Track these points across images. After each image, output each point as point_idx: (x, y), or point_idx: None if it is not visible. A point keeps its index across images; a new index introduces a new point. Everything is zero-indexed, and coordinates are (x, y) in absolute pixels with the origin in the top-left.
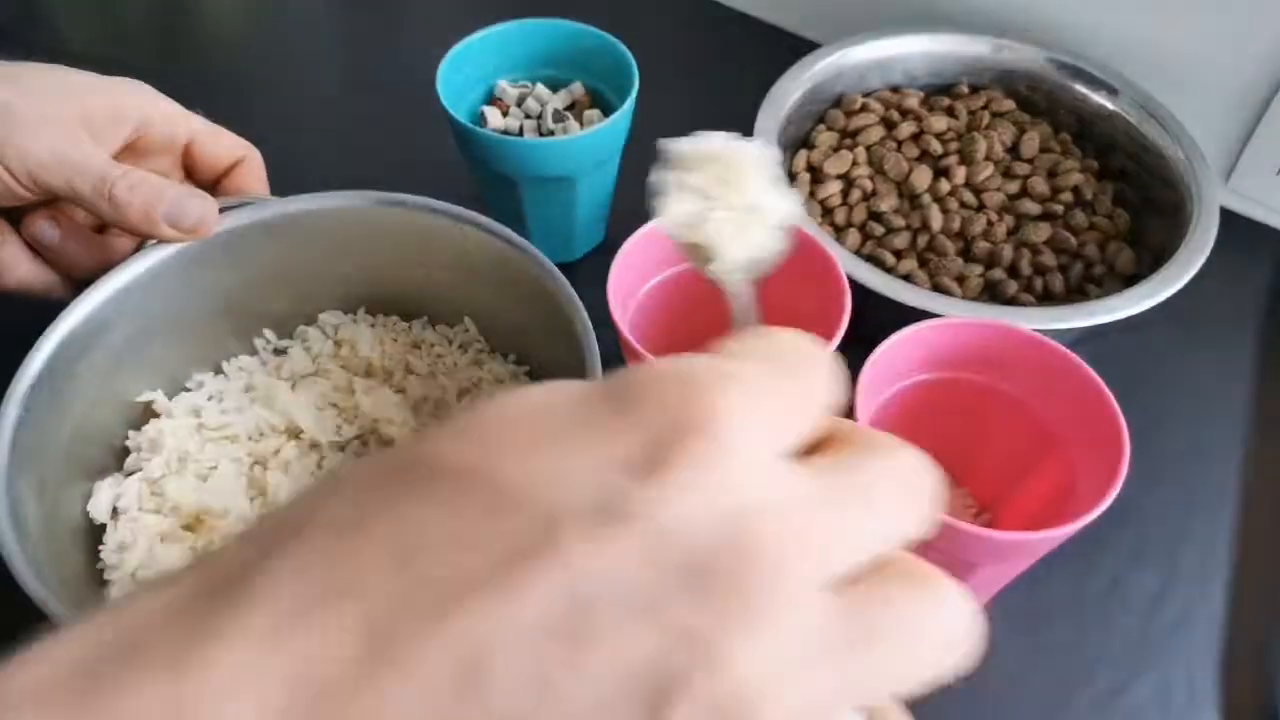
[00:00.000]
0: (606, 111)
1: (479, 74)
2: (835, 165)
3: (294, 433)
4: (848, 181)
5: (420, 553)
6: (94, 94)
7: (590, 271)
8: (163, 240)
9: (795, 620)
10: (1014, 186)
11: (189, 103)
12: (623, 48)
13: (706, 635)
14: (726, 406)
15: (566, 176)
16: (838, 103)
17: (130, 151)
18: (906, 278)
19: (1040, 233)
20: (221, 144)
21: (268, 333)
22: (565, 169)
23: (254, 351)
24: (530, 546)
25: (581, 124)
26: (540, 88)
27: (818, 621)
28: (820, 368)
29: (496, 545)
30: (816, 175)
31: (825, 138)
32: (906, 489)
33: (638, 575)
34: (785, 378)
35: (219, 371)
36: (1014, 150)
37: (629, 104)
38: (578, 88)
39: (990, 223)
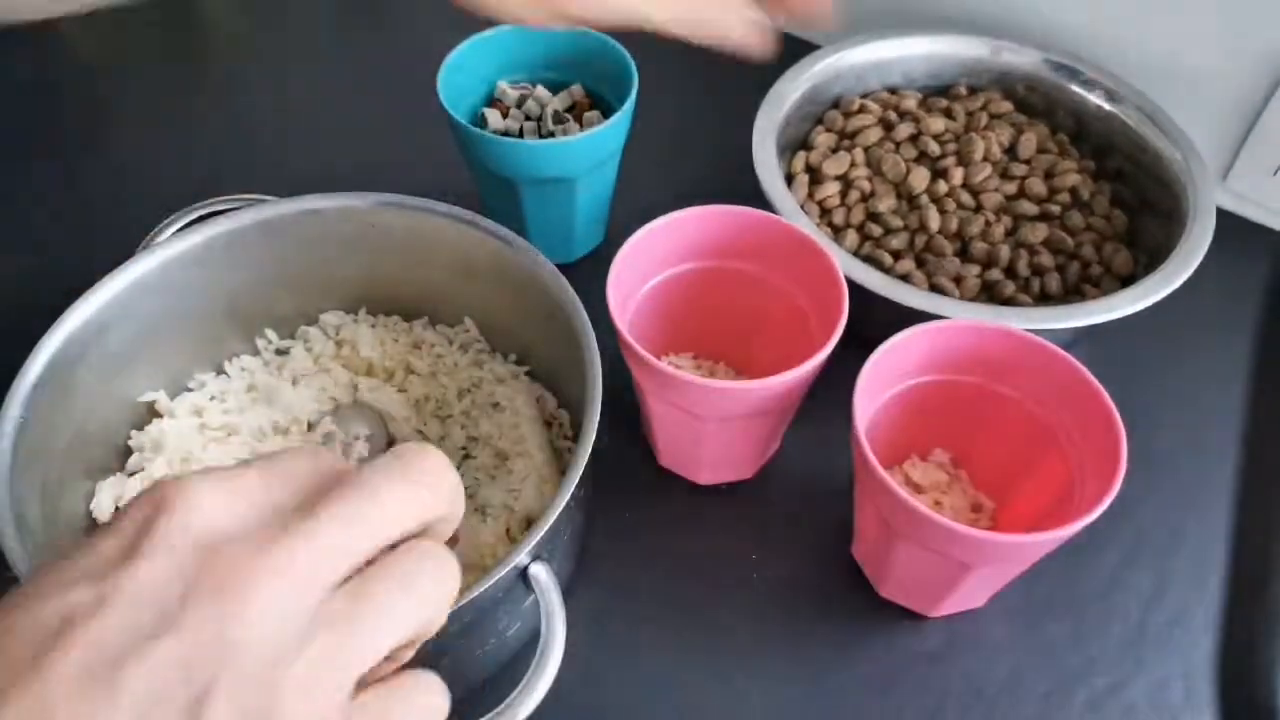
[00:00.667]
0: (606, 113)
1: (480, 76)
2: (833, 166)
3: (298, 428)
4: (846, 182)
5: None
6: None
7: (590, 272)
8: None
9: (277, 603)
10: (1011, 187)
11: (188, 100)
12: (622, 49)
13: (203, 644)
14: (184, 502)
15: (566, 178)
16: (836, 104)
17: None
18: (904, 278)
19: (1037, 233)
20: None
21: (269, 333)
22: (564, 170)
23: (256, 351)
24: (50, 629)
25: (581, 125)
26: (540, 89)
27: (302, 603)
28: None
29: (29, 634)
30: (815, 176)
31: (824, 139)
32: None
33: (134, 623)
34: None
35: (221, 371)
36: (1011, 151)
37: (628, 105)
38: (577, 89)
39: (988, 223)
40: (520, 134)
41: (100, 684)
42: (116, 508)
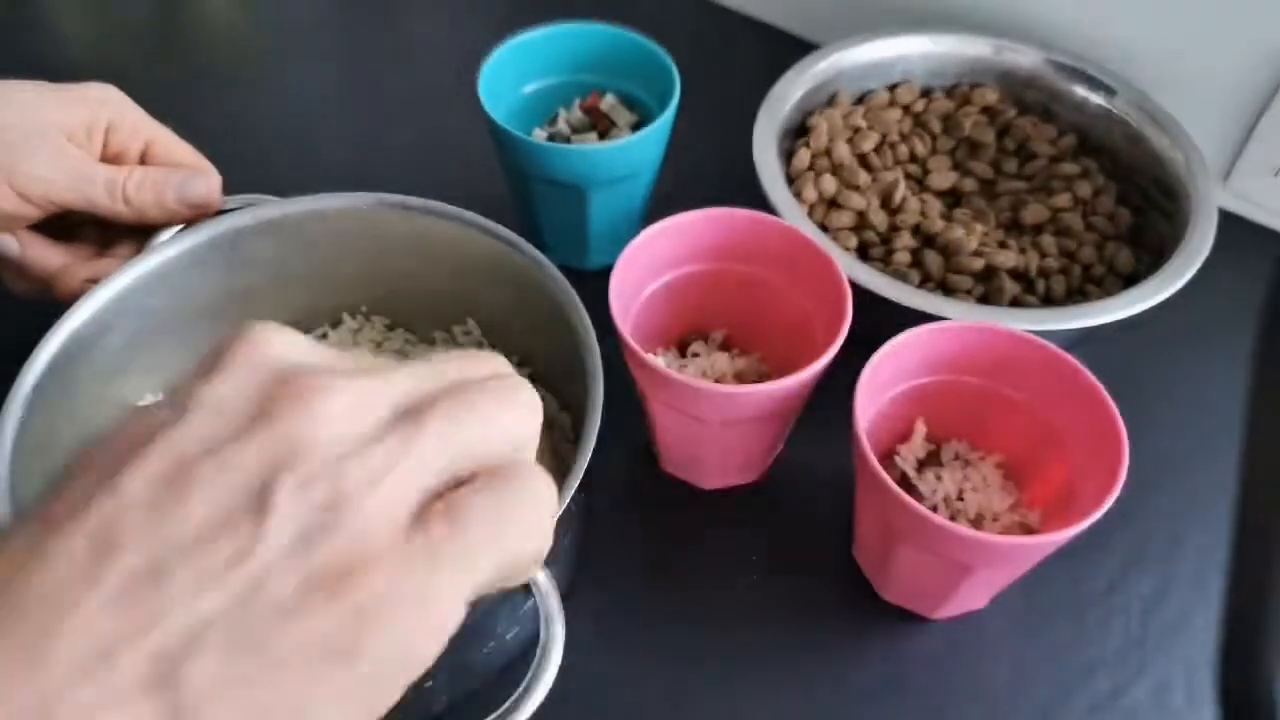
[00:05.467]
0: (645, 118)
1: (512, 79)
2: (834, 165)
3: None
4: (843, 182)
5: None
6: (69, 105)
7: (603, 281)
8: (177, 222)
9: (346, 412)
10: (1013, 187)
11: (192, 99)
12: (664, 54)
13: (275, 442)
14: (265, 336)
15: (575, 184)
16: (834, 104)
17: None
18: (906, 279)
19: (1040, 234)
20: (178, 152)
21: None
22: (574, 177)
23: None
24: (130, 446)
25: (603, 138)
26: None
27: (374, 417)
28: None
29: (107, 459)
30: (816, 175)
31: (825, 138)
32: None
33: (212, 430)
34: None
35: None
36: (1014, 152)
37: (668, 115)
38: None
39: (989, 224)
40: (568, 139)
41: (174, 486)
42: None
